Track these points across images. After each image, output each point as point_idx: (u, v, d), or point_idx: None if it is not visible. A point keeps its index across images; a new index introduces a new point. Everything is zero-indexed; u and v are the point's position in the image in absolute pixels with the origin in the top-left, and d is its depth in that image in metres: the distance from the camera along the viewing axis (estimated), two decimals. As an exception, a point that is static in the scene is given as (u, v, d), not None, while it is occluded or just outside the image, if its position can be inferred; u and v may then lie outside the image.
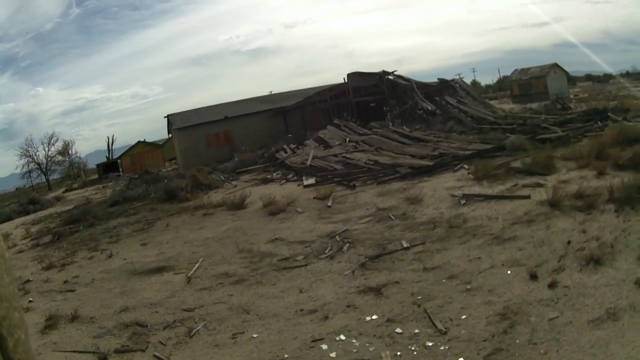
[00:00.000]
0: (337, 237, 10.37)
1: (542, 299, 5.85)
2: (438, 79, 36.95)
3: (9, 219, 29.63)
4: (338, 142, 26.33)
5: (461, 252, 8.03)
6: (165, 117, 46.42)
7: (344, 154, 22.20)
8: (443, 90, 34.66)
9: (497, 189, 11.66)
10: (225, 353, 6.23)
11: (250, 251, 10.72)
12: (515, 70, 60.27)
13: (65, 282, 11.37)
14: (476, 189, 11.98)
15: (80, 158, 73.50)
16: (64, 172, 70.43)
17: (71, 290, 10.58)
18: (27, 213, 31.06)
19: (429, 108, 32.63)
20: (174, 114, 45.87)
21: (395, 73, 38.00)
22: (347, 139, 26.57)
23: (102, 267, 12.04)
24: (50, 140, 67.58)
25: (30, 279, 12.33)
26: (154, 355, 6.56)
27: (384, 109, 39.19)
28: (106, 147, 68.73)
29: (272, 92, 50.39)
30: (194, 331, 7.02)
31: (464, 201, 11.02)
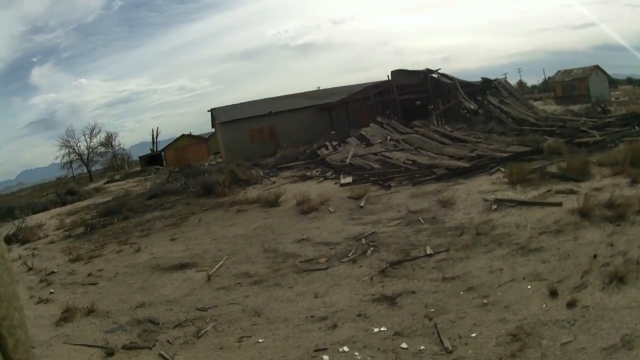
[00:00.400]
0: (363, 239, 10.24)
1: (558, 319, 5.52)
2: (482, 78, 36.58)
3: (45, 209, 30.63)
4: (379, 141, 26.25)
5: (484, 262, 7.76)
6: (208, 111, 47.27)
7: (384, 153, 22.10)
8: (486, 89, 34.41)
9: (530, 194, 11.31)
10: (227, 357, 6.20)
11: (275, 251, 10.72)
12: (559, 71, 59.81)
13: (89, 275, 11.66)
14: (509, 194, 11.66)
15: (123, 149, 75.72)
16: (106, 163, 72.60)
17: (93, 284, 10.86)
18: (65, 204, 32.00)
19: (472, 107, 32.43)
20: (218, 108, 46.64)
21: (439, 71, 37.85)
22: (389, 138, 26.50)
23: (128, 262, 12.30)
24: (92, 131, 69.84)
25: (56, 270, 12.73)
26: (159, 354, 6.62)
27: (429, 107, 39.00)
28: (151, 139, 70.54)
29: (320, 88, 50.61)
30: (202, 332, 7.05)
31: (495, 206, 10.73)
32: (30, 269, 13.39)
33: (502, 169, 14.23)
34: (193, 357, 6.43)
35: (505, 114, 28.21)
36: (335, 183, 18.44)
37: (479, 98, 33.16)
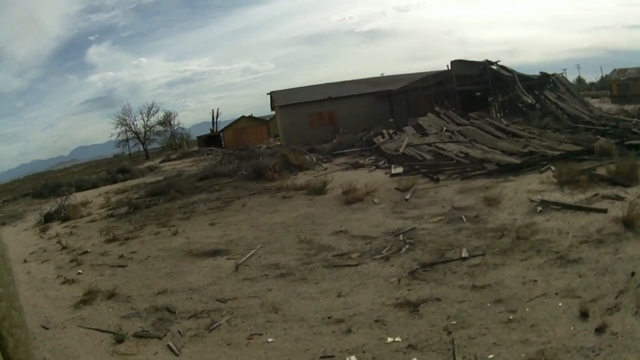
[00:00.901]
0: (401, 235, 9.81)
1: (584, 347, 4.90)
2: (540, 72, 35.36)
3: (95, 186, 31.47)
4: (435, 131, 25.76)
5: (518, 271, 7.16)
6: (268, 94, 47.63)
7: (437, 144, 21.63)
8: (544, 84, 33.21)
9: (577, 197, 10.56)
10: (232, 354, 5.98)
11: (310, 242, 10.44)
12: (615, 70, 57.97)
13: (121, 257, 11.84)
14: (556, 195, 10.98)
15: (183, 129, 77.19)
16: (164, 142, 74.18)
17: (122, 266, 10.99)
18: (115, 182, 32.82)
19: (529, 101, 31.51)
20: (277, 91, 47.16)
21: (498, 63, 36.59)
22: (444, 128, 25.95)
23: (162, 245, 12.38)
24: (149, 110, 71.43)
25: (89, 250, 13.03)
26: (167, 345, 6.51)
27: (489, 99, 38.01)
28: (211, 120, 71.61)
29: (384, 75, 50.21)
30: (214, 325, 6.88)
31: (540, 208, 10.07)
32: (64, 247, 13.75)
33: (553, 168, 13.56)
34: (200, 351, 6.26)
35: (561, 110, 27.23)
36: (386, 173, 18.12)
37: (537, 92, 32.14)
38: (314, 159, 24.84)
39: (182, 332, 6.86)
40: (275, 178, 20.25)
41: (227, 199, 17.65)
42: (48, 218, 19.72)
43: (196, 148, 61.87)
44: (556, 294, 6.24)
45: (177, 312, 7.67)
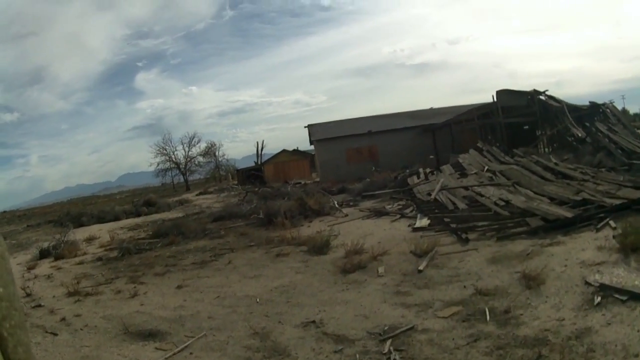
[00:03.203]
0: (388, 343, 6.59)
1: None
2: (590, 102, 32.54)
3: (116, 219, 30.32)
4: (475, 171, 22.82)
5: None
6: (305, 127, 45.79)
7: (475, 188, 18.54)
8: (594, 115, 30.38)
9: None
10: None
11: (264, 338, 7.46)
12: None
13: (62, 319, 9.90)
14: (620, 273, 7.48)
15: (227, 160, 76.24)
16: (208, 173, 73.37)
17: (54, 334, 9.04)
18: (139, 215, 31.52)
19: (579, 135, 28.41)
20: (315, 124, 45.23)
21: (546, 93, 33.58)
22: (486, 168, 23.02)
23: (111, 311, 10.21)
24: (190, 140, 70.97)
25: (43, 304, 11.29)
26: None
27: (539, 133, 34.82)
28: (257, 152, 70.22)
29: (432, 108, 47.66)
30: None
31: (599, 298, 6.64)
32: (28, 295, 12.04)
33: (612, 224, 10.48)
34: None
35: (614, 144, 24.05)
36: (409, 225, 15.11)
37: (587, 124, 29.26)
38: (335, 203, 22.24)
39: None
40: (285, 225, 17.85)
41: (219, 251, 15.30)
42: (44, 254, 18.36)
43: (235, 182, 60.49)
44: None
45: None
